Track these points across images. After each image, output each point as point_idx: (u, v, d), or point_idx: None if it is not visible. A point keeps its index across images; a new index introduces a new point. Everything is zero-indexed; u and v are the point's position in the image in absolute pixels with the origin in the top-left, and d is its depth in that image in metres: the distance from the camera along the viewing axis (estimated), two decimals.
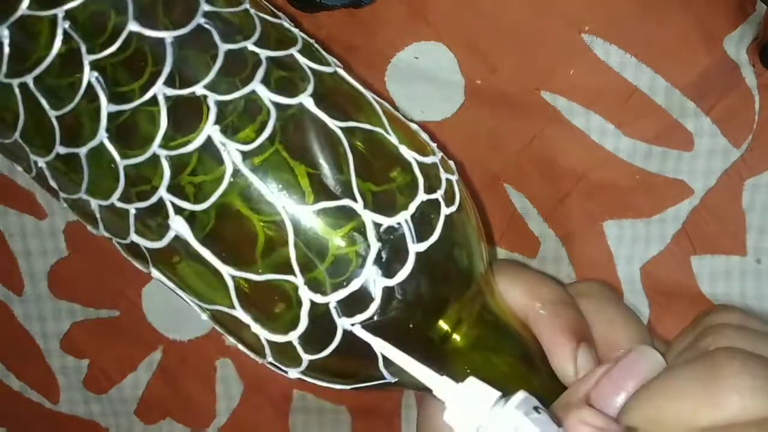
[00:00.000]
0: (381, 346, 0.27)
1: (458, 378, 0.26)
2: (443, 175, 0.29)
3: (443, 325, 0.28)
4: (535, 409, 0.24)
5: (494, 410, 0.24)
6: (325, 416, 0.45)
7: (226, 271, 0.26)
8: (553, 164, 0.41)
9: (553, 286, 0.31)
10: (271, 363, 0.28)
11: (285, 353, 0.28)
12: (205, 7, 0.27)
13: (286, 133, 0.26)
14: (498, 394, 0.25)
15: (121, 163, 0.26)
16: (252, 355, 0.29)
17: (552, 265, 0.42)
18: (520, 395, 0.25)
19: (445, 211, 0.28)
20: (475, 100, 0.40)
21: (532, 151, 0.41)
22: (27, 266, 0.45)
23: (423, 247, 0.27)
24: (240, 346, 0.29)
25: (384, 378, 0.28)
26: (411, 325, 0.28)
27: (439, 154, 0.30)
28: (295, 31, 0.30)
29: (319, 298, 0.26)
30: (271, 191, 0.26)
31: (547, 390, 0.28)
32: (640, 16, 0.39)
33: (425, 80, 0.40)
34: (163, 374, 0.46)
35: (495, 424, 0.24)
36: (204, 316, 0.29)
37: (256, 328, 0.27)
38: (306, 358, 0.27)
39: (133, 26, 0.26)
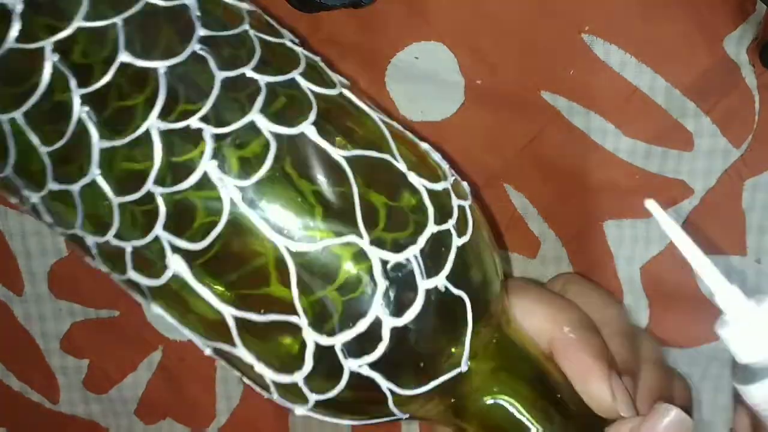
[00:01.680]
0: (670, 229, 0.26)
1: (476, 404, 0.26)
2: (455, 203, 0.28)
3: (457, 357, 0.27)
4: None
5: None
6: None
7: (227, 311, 0.25)
8: (553, 164, 0.41)
9: (574, 307, 0.30)
10: (278, 400, 0.28)
11: (291, 392, 0.27)
12: (201, 32, 0.26)
13: (286, 166, 0.25)
14: None
15: (115, 200, 0.25)
16: (258, 390, 0.28)
17: (552, 265, 0.42)
18: None
19: (457, 242, 0.27)
20: (475, 100, 0.40)
21: (532, 151, 0.41)
22: (27, 266, 0.45)
23: (433, 283, 0.26)
24: (246, 380, 0.28)
25: (395, 415, 0.27)
26: (422, 364, 0.26)
27: (452, 177, 0.29)
28: (298, 50, 0.28)
29: (324, 340, 0.25)
30: (271, 228, 0.25)
31: (568, 415, 0.28)
32: (640, 16, 0.39)
33: (425, 80, 0.40)
34: (163, 374, 0.46)
35: None
36: (207, 351, 0.28)
37: (260, 367, 0.26)
38: (313, 398, 0.26)
39: (124, 57, 0.25)
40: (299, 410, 0.27)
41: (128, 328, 0.45)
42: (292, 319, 0.25)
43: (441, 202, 0.27)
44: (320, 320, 0.25)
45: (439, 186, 0.27)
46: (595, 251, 0.42)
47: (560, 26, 0.39)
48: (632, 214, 0.41)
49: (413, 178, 0.27)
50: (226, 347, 0.26)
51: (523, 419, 0.28)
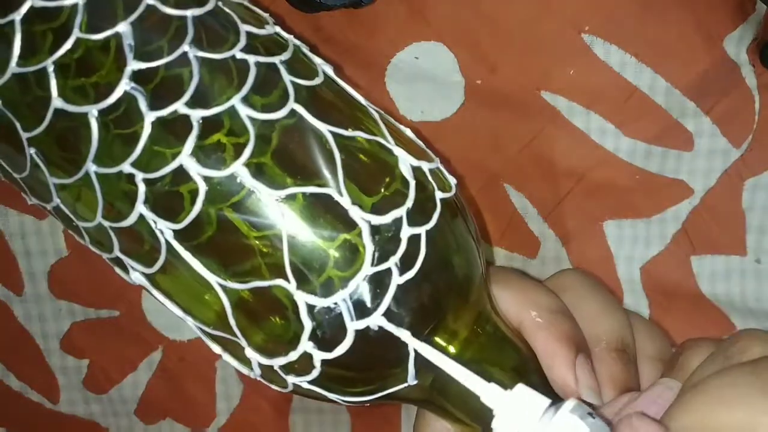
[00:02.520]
0: (426, 352, 0.26)
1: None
2: (405, 233, 0.26)
3: (402, 376, 0.27)
4: (589, 414, 0.24)
5: (546, 417, 0.24)
6: (325, 416, 0.45)
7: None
8: (553, 164, 0.41)
9: (545, 292, 0.30)
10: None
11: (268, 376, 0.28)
12: (127, 86, 0.25)
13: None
14: (548, 401, 0.24)
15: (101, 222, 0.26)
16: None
17: (552, 265, 0.42)
18: (572, 401, 0.24)
19: (397, 280, 0.25)
20: (475, 100, 0.40)
21: (532, 151, 0.41)
22: (27, 266, 0.45)
23: (363, 324, 0.25)
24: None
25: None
26: (364, 381, 0.27)
27: (411, 198, 0.27)
28: (288, 37, 0.29)
29: (264, 360, 0.26)
30: (206, 268, 0.26)
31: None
32: (640, 16, 0.39)
33: (425, 80, 0.40)
34: (163, 374, 0.46)
35: (550, 430, 0.23)
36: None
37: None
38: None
39: (57, 103, 0.25)
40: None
41: (128, 328, 0.45)
42: (236, 340, 0.27)
43: (385, 237, 0.26)
44: (262, 351, 0.27)
45: (386, 218, 0.26)
46: (595, 251, 0.42)
47: (560, 26, 0.39)
48: (632, 214, 0.41)
49: (355, 212, 0.25)
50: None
51: None
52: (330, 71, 0.29)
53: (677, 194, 0.41)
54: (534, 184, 0.41)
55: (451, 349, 0.28)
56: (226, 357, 0.28)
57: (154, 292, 0.27)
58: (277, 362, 0.26)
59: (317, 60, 0.29)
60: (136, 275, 0.27)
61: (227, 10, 0.27)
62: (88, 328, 0.45)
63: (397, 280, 0.25)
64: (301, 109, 0.26)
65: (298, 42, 0.29)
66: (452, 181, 0.29)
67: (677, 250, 0.42)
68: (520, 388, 0.25)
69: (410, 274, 0.26)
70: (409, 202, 0.26)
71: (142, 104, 0.25)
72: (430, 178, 0.27)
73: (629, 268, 0.42)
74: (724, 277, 0.42)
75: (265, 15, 0.29)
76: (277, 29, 0.28)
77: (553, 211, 0.42)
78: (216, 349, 0.28)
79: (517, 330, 0.29)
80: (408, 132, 0.29)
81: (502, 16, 0.39)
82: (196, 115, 0.25)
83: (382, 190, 0.26)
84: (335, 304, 0.25)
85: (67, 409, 0.47)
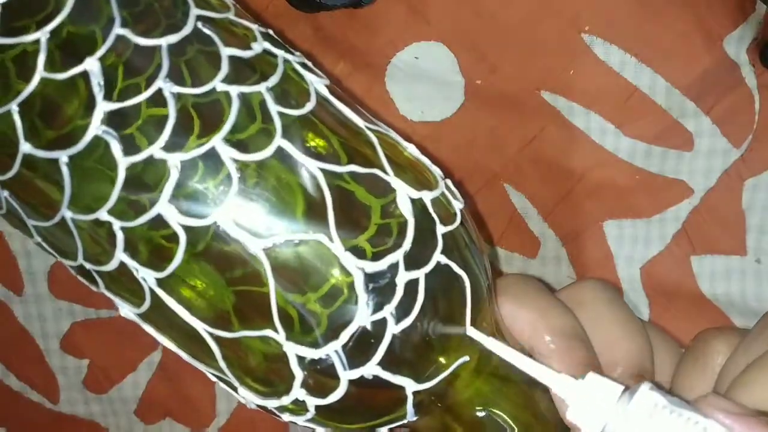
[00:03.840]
0: (497, 348, 0.25)
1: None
2: (402, 279, 0.24)
3: (402, 412, 0.26)
4: (667, 392, 0.23)
5: (623, 400, 0.23)
6: None
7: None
8: (553, 164, 0.41)
9: (561, 312, 0.28)
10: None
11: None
12: (98, 130, 0.23)
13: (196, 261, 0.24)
14: (622, 386, 0.23)
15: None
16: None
17: (552, 265, 0.42)
18: (647, 384, 0.23)
19: (393, 329, 0.24)
20: (475, 100, 0.40)
21: (532, 151, 0.41)
22: (27, 266, 0.45)
23: (357, 374, 0.24)
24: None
25: None
26: (363, 415, 0.27)
27: (409, 239, 0.25)
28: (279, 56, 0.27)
29: (257, 401, 0.26)
30: (192, 316, 0.25)
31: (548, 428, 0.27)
32: (640, 16, 0.39)
33: (425, 80, 0.40)
34: (163, 374, 0.46)
35: (628, 414, 0.23)
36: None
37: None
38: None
39: (25, 148, 0.23)
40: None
41: (128, 328, 0.45)
42: (229, 379, 0.27)
43: (380, 284, 0.24)
44: (255, 392, 0.26)
45: (381, 264, 0.24)
46: (595, 251, 0.42)
47: (560, 26, 0.39)
48: (632, 214, 0.41)
49: (348, 259, 0.24)
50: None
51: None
52: (324, 91, 0.26)
53: (677, 194, 0.41)
54: (534, 184, 0.41)
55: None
56: (222, 386, 0.28)
57: (145, 326, 0.27)
58: (271, 404, 0.26)
59: (310, 77, 0.26)
60: (125, 311, 0.27)
61: (207, 31, 0.25)
62: (88, 328, 0.45)
63: (392, 329, 0.24)
64: (288, 146, 0.24)
65: (290, 56, 0.27)
66: (458, 206, 0.27)
67: (677, 250, 0.42)
68: (592, 375, 0.24)
69: (407, 323, 0.24)
70: (407, 244, 0.24)
71: (115, 149, 0.23)
72: (431, 210, 0.26)
73: (629, 268, 0.42)
74: (724, 277, 0.42)
75: (254, 27, 0.27)
76: (266, 45, 0.26)
77: (553, 211, 0.42)
78: (212, 378, 0.28)
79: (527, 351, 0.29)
80: (411, 149, 0.28)
81: (502, 16, 0.39)
82: (174, 159, 0.23)
83: (378, 232, 0.24)
84: (327, 355, 0.24)
85: (67, 409, 0.47)
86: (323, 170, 0.24)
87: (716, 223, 0.41)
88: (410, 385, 0.25)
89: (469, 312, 0.26)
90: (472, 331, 0.25)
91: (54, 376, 0.46)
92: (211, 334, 0.25)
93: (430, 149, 0.41)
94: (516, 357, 0.25)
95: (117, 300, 0.27)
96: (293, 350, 0.24)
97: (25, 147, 0.23)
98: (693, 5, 0.39)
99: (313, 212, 0.24)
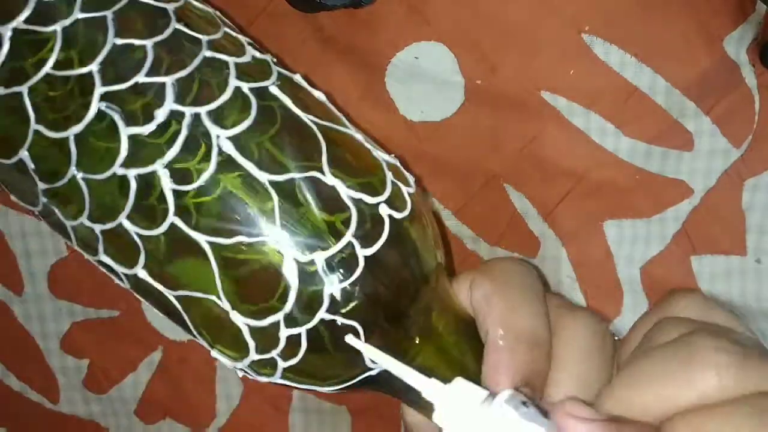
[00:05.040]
0: (370, 351, 0.27)
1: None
2: (336, 286, 0.27)
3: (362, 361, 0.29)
4: (523, 403, 0.25)
5: (483, 407, 0.24)
6: (325, 416, 0.45)
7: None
8: (553, 164, 0.41)
9: (531, 315, 0.29)
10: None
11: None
12: (75, 170, 0.27)
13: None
14: (486, 393, 0.25)
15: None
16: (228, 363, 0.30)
17: (552, 265, 0.42)
18: (507, 392, 0.25)
19: (324, 313, 0.27)
20: (475, 100, 0.40)
21: (532, 151, 0.41)
22: (27, 266, 0.45)
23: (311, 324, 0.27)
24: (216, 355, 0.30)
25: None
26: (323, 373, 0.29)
27: (346, 241, 0.27)
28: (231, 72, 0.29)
29: (229, 363, 0.29)
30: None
31: None
32: (640, 16, 0.39)
33: (425, 80, 0.40)
34: (163, 374, 0.46)
35: (485, 420, 0.24)
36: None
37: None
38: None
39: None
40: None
41: (128, 328, 0.45)
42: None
43: (309, 297, 0.27)
44: (223, 356, 0.29)
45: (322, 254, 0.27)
46: (595, 251, 0.42)
47: (560, 26, 0.39)
48: (632, 214, 0.41)
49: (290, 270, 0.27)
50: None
51: None
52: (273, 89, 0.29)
53: (677, 194, 0.41)
54: (534, 184, 0.41)
55: (414, 341, 0.29)
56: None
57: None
58: (240, 365, 0.28)
59: (271, 76, 0.29)
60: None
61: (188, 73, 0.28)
62: (88, 328, 0.45)
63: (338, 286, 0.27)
64: (179, 221, 0.27)
65: (237, 82, 0.28)
66: (407, 197, 0.29)
67: (677, 250, 0.42)
68: (459, 381, 0.25)
69: (351, 280, 0.27)
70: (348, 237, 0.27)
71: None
72: (375, 206, 0.28)
73: (629, 268, 0.42)
74: (724, 277, 0.42)
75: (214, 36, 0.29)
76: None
77: (553, 211, 0.42)
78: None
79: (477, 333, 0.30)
80: (359, 137, 0.30)
81: (502, 16, 0.39)
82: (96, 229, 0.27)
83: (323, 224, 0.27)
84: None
85: (67, 409, 0.47)
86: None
87: (716, 223, 0.41)
88: (353, 340, 0.27)
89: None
90: (350, 339, 0.27)
91: (54, 376, 0.46)
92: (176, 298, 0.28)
93: (430, 149, 0.42)
94: (387, 360, 0.27)
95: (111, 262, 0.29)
96: (243, 321, 0.27)
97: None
98: (693, 5, 0.39)
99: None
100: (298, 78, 0.31)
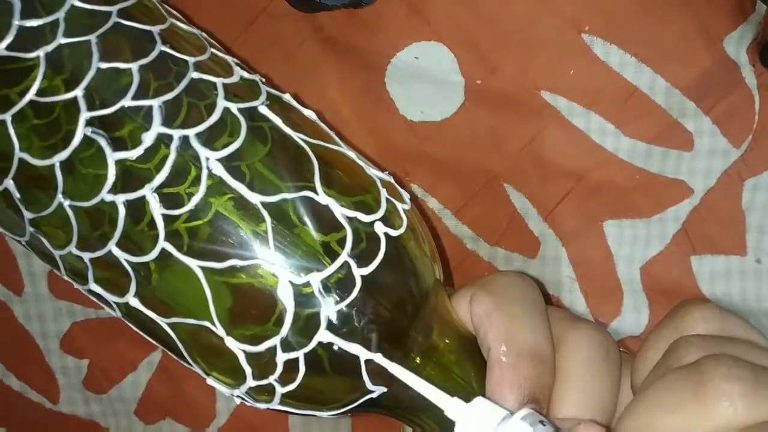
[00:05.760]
0: (395, 370, 0.27)
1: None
2: (333, 308, 0.27)
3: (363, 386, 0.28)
4: (540, 422, 0.25)
5: (501, 426, 0.25)
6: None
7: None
8: (553, 164, 0.41)
9: (532, 329, 0.29)
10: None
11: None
12: (88, 130, 0.26)
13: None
14: (505, 412, 0.25)
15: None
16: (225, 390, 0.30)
17: (552, 265, 0.42)
18: (524, 410, 0.25)
19: (322, 335, 0.27)
20: (475, 100, 0.40)
21: (532, 151, 0.41)
22: (27, 266, 0.45)
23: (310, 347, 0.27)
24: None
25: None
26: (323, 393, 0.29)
27: (341, 263, 0.27)
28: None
29: (226, 390, 0.29)
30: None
31: None
32: (640, 16, 0.39)
33: (425, 80, 0.40)
34: (163, 374, 0.46)
35: None
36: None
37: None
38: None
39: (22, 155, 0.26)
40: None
41: (128, 328, 0.45)
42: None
43: (304, 325, 0.27)
44: (219, 383, 0.30)
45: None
46: (595, 251, 0.42)
47: (560, 26, 0.39)
48: (632, 214, 0.41)
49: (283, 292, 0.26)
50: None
51: None
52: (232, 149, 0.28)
53: (677, 194, 0.41)
54: (534, 184, 0.41)
55: (415, 361, 0.28)
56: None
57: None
58: (237, 392, 0.28)
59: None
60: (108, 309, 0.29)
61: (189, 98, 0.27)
62: (88, 328, 0.45)
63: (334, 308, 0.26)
64: (169, 247, 0.26)
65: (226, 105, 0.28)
66: (402, 214, 0.29)
67: (677, 250, 0.42)
68: (479, 400, 0.26)
69: (352, 297, 0.27)
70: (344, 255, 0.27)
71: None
72: (371, 224, 0.28)
73: (629, 268, 0.42)
74: (724, 277, 0.42)
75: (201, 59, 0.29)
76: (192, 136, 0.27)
77: (553, 211, 0.42)
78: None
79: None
80: (351, 154, 0.30)
81: (502, 16, 0.39)
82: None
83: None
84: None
85: (67, 409, 0.47)
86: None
87: (716, 223, 0.41)
88: (364, 353, 0.27)
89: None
90: (380, 359, 0.27)
91: (54, 376, 0.46)
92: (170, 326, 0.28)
93: (430, 149, 0.42)
94: (412, 379, 0.27)
95: (103, 292, 0.28)
96: (238, 347, 0.27)
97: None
98: (693, 5, 0.39)
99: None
100: (287, 97, 0.30)
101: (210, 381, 0.29)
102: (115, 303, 0.28)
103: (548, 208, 0.42)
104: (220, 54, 0.30)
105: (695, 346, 0.26)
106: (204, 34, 0.31)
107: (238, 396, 0.28)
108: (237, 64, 0.30)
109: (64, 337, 0.46)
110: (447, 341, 0.29)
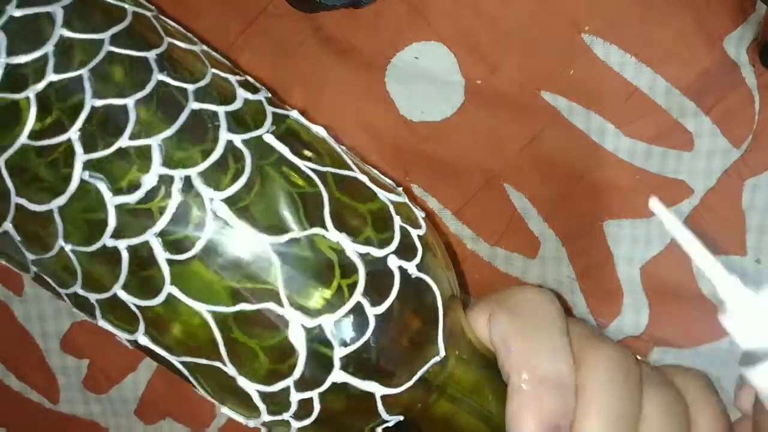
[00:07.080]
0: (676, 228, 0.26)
1: None
2: (347, 349, 0.26)
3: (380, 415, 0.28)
4: None
5: None
6: None
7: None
8: (553, 164, 0.41)
9: (554, 355, 0.28)
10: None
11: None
12: (85, 176, 0.25)
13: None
14: None
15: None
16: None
17: (552, 265, 0.42)
18: None
19: (336, 377, 0.26)
20: (475, 100, 0.40)
21: (532, 151, 0.41)
22: None
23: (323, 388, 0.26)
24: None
25: None
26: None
27: (359, 292, 0.26)
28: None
29: (242, 420, 0.28)
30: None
31: None
32: (640, 16, 0.39)
33: (425, 80, 0.40)
34: (163, 374, 0.46)
35: None
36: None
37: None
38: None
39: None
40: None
41: None
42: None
43: (318, 351, 0.26)
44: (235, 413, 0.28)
45: (327, 319, 0.26)
46: (595, 251, 0.42)
47: (560, 26, 0.39)
48: (632, 214, 0.41)
49: (291, 317, 0.26)
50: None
51: None
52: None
53: (677, 194, 0.41)
54: (534, 184, 0.41)
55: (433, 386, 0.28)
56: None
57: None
58: (253, 423, 0.27)
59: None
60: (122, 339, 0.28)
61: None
62: (88, 328, 0.45)
63: (336, 376, 0.26)
64: (176, 291, 0.25)
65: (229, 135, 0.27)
66: (417, 242, 0.28)
67: (677, 250, 0.41)
68: None
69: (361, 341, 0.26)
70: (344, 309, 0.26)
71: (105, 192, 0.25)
72: (384, 259, 0.27)
73: (629, 268, 0.42)
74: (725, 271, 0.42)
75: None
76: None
77: (553, 211, 0.42)
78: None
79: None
80: (366, 178, 0.29)
81: (502, 16, 0.39)
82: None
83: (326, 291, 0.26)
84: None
85: (67, 409, 0.47)
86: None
87: (716, 223, 0.41)
88: (379, 390, 0.26)
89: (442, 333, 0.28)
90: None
91: (54, 376, 0.46)
92: (182, 363, 0.27)
93: (430, 149, 0.42)
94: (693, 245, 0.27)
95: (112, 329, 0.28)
96: (253, 388, 0.26)
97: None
98: (693, 5, 0.39)
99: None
100: (295, 114, 0.29)
101: (225, 410, 0.28)
102: (126, 339, 0.27)
103: (548, 208, 0.42)
104: (221, 74, 0.28)
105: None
106: (204, 48, 0.29)
107: (254, 426, 0.28)
108: (239, 82, 0.28)
109: (64, 337, 0.46)
110: (465, 368, 0.29)
